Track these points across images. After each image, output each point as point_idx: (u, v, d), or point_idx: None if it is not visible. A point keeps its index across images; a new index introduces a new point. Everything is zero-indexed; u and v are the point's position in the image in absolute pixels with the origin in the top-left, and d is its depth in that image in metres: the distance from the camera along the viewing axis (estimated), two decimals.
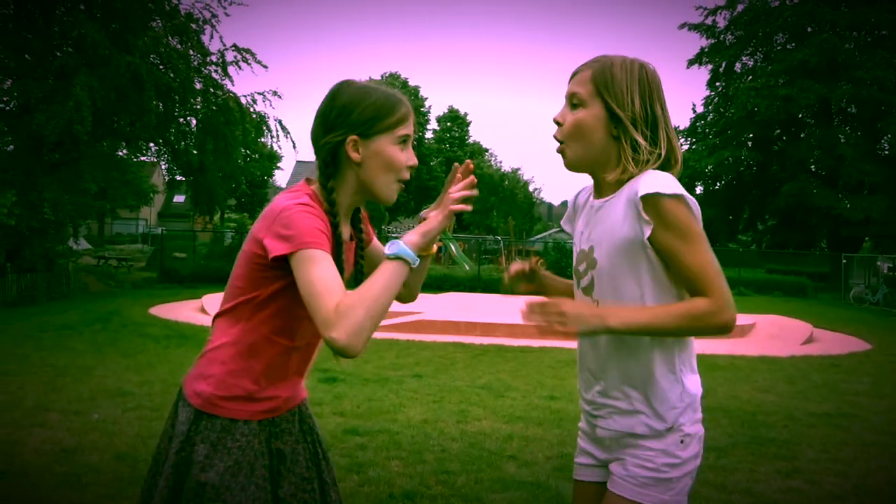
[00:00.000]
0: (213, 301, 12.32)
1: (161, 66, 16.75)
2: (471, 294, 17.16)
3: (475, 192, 1.59)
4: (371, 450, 4.55)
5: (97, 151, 17.65)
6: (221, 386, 1.62)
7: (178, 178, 22.62)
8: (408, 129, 1.65)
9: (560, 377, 7.45)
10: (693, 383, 1.63)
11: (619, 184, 1.61)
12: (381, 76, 46.60)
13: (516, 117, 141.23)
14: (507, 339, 9.98)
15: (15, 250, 14.21)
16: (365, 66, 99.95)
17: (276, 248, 1.49)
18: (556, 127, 1.67)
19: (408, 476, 4.08)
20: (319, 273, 1.44)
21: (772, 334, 11.91)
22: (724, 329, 1.50)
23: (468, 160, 1.67)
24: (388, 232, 38.34)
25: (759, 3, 30.31)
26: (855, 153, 27.29)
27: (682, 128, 33.03)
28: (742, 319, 12.27)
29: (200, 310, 12.51)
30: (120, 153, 20.74)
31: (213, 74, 18.47)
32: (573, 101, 1.64)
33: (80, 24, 14.53)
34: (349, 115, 1.61)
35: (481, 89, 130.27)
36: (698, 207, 1.54)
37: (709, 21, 31.81)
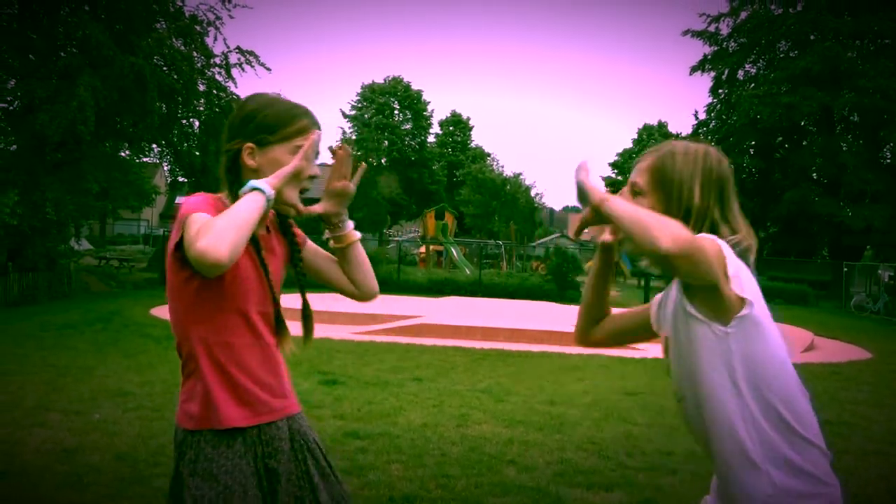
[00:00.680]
0: None
1: (165, 68, 16.77)
2: (471, 298, 17.16)
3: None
4: (371, 453, 4.55)
5: (100, 152, 17.68)
6: (194, 403, 1.63)
7: (181, 179, 22.65)
8: (308, 141, 1.69)
9: (560, 382, 7.45)
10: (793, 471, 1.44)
11: None
12: (385, 79, 46.72)
13: (520, 121, 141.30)
14: (507, 344, 9.98)
15: (17, 250, 14.22)
16: (368, 69, 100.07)
17: (172, 238, 1.56)
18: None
19: (408, 480, 4.08)
20: (195, 222, 1.47)
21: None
22: (656, 247, 1.32)
23: (344, 145, 1.73)
24: (390, 235, 38.37)
25: (762, 10, 30.34)
26: (857, 162, 27.28)
27: (683, 134, 33.02)
28: None
29: None
30: (122, 154, 20.78)
31: (217, 76, 18.51)
32: (634, 190, 1.58)
33: (85, 24, 14.57)
34: (249, 124, 1.68)
35: (485, 92, 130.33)
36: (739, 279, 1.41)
37: (712, 28, 31.82)
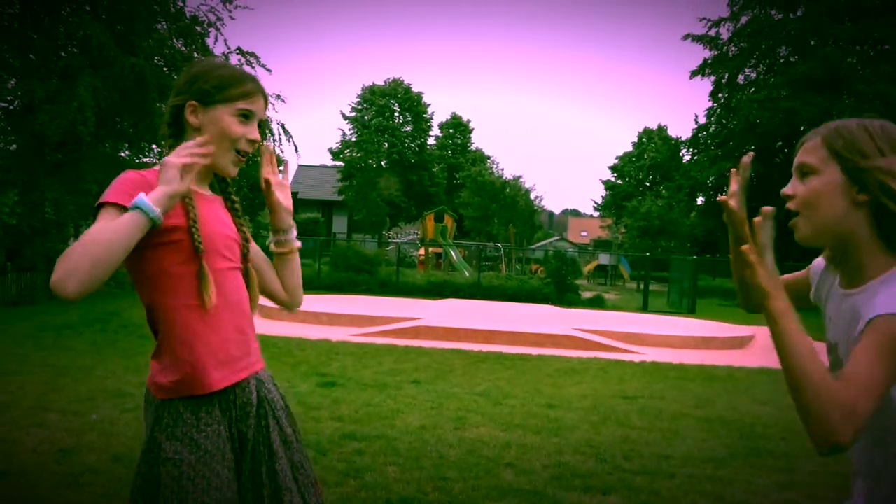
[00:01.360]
0: None
1: (165, 69, 16.77)
2: (470, 301, 17.15)
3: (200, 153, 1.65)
4: (368, 455, 4.55)
5: (99, 152, 17.66)
6: (171, 372, 1.65)
7: None
8: (251, 105, 1.74)
9: (558, 385, 7.45)
10: None
11: (871, 272, 1.36)
12: (385, 81, 46.69)
13: (520, 124, 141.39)
14: (505, 347, 9.98)
15: (16, 250, 14.22)
16: (369, 71, 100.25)
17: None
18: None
19: (405, 482, 4.08)
20: (85, 235, 1.47)
21: (771, 346, 11.70)
22: (821, 432, 1.18)
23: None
24: (389, 237, 38.36)
25: (763, 15, 30.39)
26: None
27: (684, 138, 33.06)
28: (741, 331, 12.27)
29: None
30: (122, 154, 20.75)
31: None
32: (802, 171, 1.44)
33: (86, 24, 14.57)
34: (195, 83, 1.73)
35: (485, 95, 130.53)
36: None
37: (712, 33, 31.87)
